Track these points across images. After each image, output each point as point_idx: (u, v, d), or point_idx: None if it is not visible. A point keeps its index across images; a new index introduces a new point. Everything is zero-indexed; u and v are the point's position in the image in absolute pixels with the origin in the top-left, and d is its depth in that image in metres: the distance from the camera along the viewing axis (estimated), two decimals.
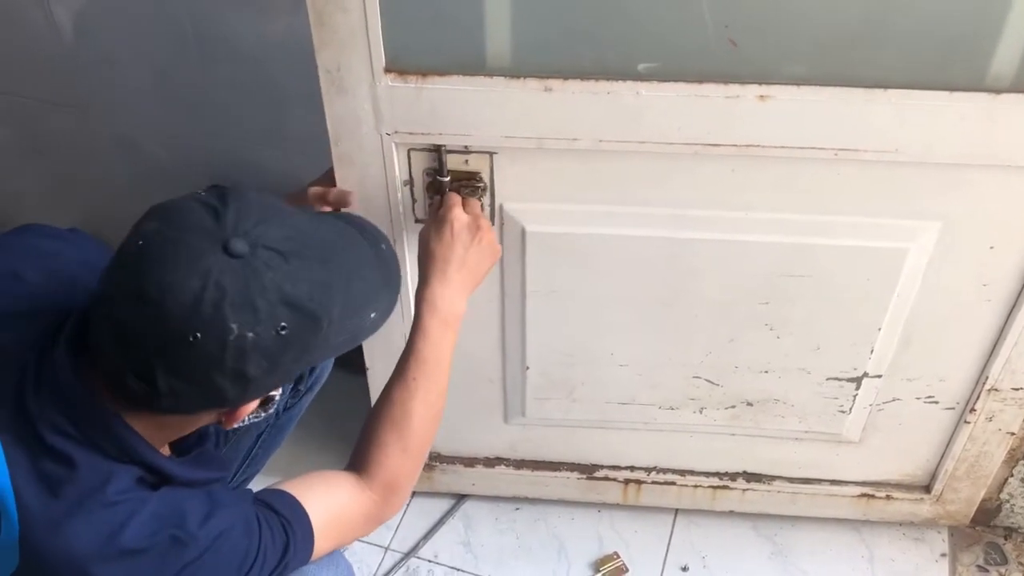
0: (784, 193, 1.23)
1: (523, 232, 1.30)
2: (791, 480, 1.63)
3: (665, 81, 1.12)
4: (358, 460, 1.11)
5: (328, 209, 1.23)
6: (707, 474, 1.65)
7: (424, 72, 1.13)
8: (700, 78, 1.12)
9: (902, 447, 1.56)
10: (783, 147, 1.16)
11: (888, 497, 1.62)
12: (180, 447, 1.03)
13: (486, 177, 1.23)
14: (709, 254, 1.30)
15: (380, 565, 1.68)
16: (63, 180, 1.94)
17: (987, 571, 1.65)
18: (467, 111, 1.16)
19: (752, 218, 1.25)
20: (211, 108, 1.67)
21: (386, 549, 1.70)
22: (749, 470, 1.64)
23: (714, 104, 1.13)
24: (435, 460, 1.68)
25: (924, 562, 1.66)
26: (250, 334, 0.84)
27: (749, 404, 1.50)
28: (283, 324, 0.86)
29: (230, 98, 1.64)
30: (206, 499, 0.96)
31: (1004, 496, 1.62)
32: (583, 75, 1.12)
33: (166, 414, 0.91)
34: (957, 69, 1.11)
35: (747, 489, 1.64)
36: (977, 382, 1.43)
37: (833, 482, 1.63)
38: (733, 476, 1.64)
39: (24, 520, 0.88)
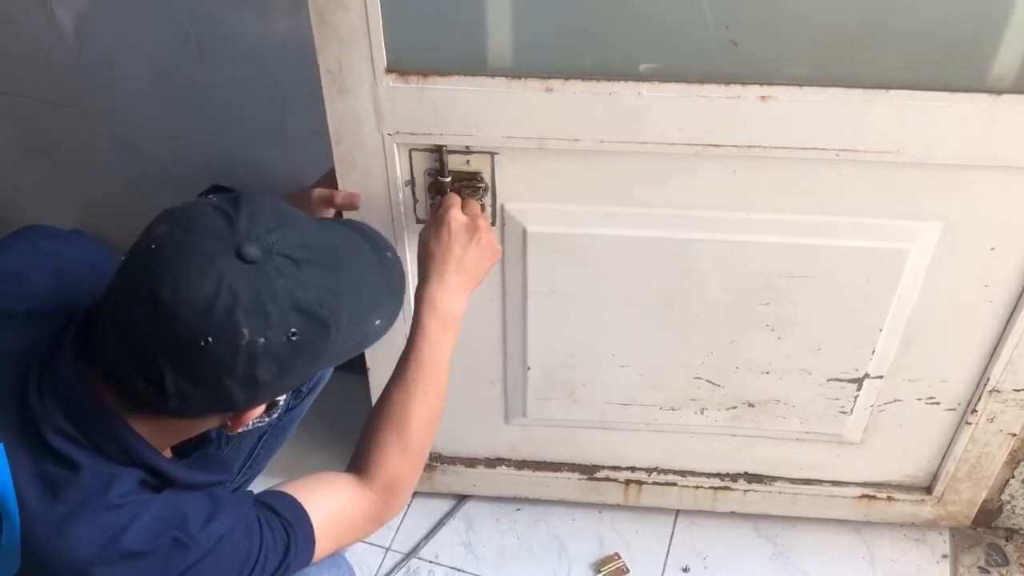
0: (785, 194, 1.23)
1: (524, 232, 1.30)
2: (792, 481, 1.63)
3: (666, 81, 1.12)
4: (358, 461, 1.10)
5: (332, 212, 1.23)
6: (708, 475, 1.65)
7: (425, 72, 1.13)
8: (701, 79, 1.12)
9: (903, 448, 1.56)
10: (784, 148, 1.16)
11: (889, 498, 1.62)
12: (181, 449, 1.03)
13: (487, 177, 1.23)
14: (710, 255, 1.30)
15: (381, 566, 1.68)
16: (64, 180, 1.94)
17: (988, 572, 1.64)
18: (468, 111, 1.16)
19: (753, 219, 1.25)
20: (212, 108, 1.67)
21: (387, 550, 1.70)
22: (750, 471, 1.64)
23: (715, 105, 1.13)
24: (436, 461, 1.68)
25: (925, 563, 1.66)
26: (261, 339, 0.85)
27: (750, 405, 1.50)
28: (294, 330, 0.86)
29: (231, 98, 1.64)
30: (208, 502, 0.96)
31: (1005, 497, 1.62)
32: (584, 75, 1.12)
33: (172, 417, 0.91)
34: (958, 70, 1.11)
35: (748, 490, 1.64)
36: (978, 383, 1.43)
37: (834, 483, 1.63)
38: (734, 477, 1.64)
39: (26, 522, 0.88)
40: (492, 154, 1.21)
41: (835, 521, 1.68)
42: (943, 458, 1.56)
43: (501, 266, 1.34)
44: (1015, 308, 1.32)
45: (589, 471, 1.66)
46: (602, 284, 1.35)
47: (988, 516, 1.66)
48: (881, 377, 1.43)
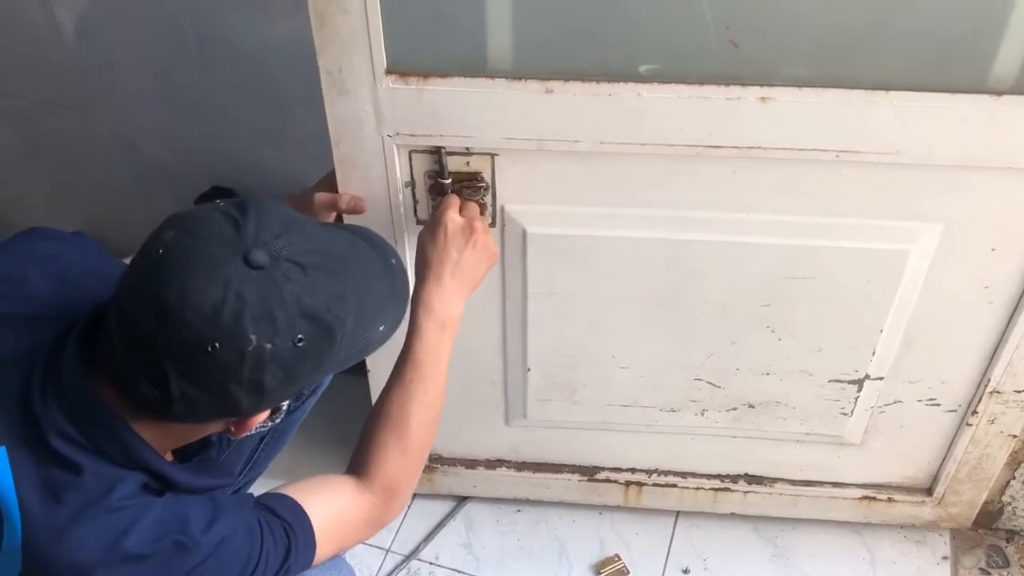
0: (785, 195, 1.23)
1: (524, 234, 1.30)
2: (792, 482, 1.63)
3: (666, 83, 1.12)
4: (358, 464, 1.10)
5: (333, 216, 1.23)
6: (708, 476, 1.64)
7: (425, 74, 1.13)
8: (701, 80, 1.11)
9: (904, 449, 1.56)
10: (784, 149, 1.16)
11: (890, 499, 1.62)
12: (183, 453, 1.03)
13: (487, 178, 1.23)
14: (710, 256, 1.30)
15: (381, 567, 1.68)
16: (64, 181, 1.94)
17: (989, 574, 1.64)
18: (468, 113, 1.16)
19: (753, 220, 1.25)
20: (212, 109, 1.67)
21: (387, 551, 1.70)
22: (750, 472, 1.64)
23: (715, 106, 1.12)
24: (436, 462, 1.68)
25: (926, 565, 1.66)
26: (268, 345, 0.85)
27: (750, 406, 1.50)
28: (300, 336, 0.86)
29: (231, 99, 1.64)
30: (208, 505, 0.95)
31: (1006, 499, 1.62)
32: (584, 77, 1.12)
33: (177, 422, 0.91)
34: (958, 71, 1.11)
35: (748, 491, 1.64)
36: (979, 384, 1.42)
37: (835, 484, 1.63)
38: (734, 478, 1.64)
39: (27, 526, 0.88)
40: (492, 155, 1.21)
41: (835, 522, 1.68)
42: (944, 459, 1.56)
43: (501, 267, 1.33)
44: (1015, 309, 1.32)
45: (589, 472, 1.66)
46: (602, 285, 1.35)
47: (989, 518, 1.66)
48: (882, 378, 1.43)
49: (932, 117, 1.12)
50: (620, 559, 1.67)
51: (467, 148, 1.20)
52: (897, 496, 1.62)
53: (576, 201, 1.26)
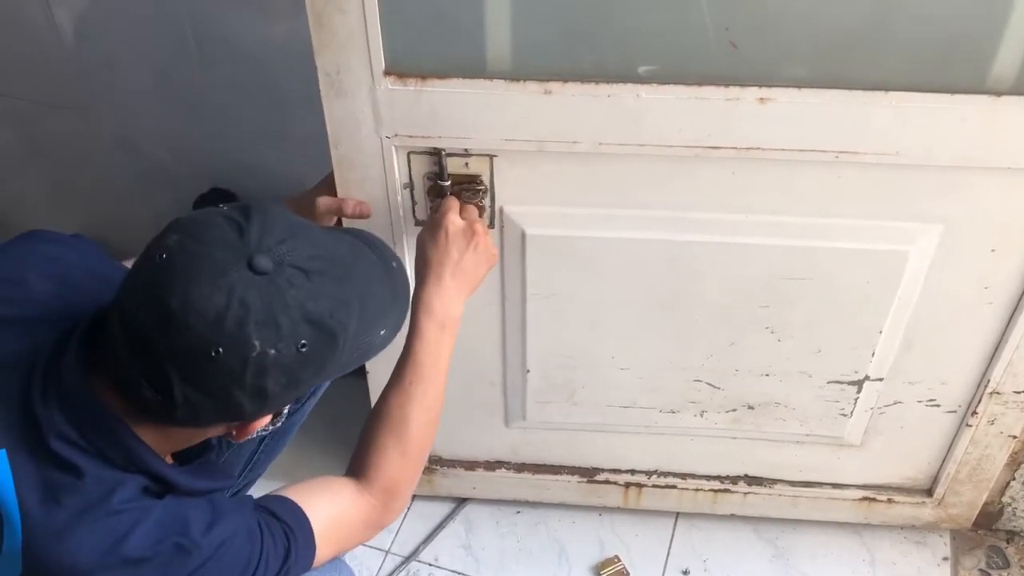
0: (785, 196, 1.22)
1: (523, 235, 1.30)
2: (792, 483, 1.63)
3: (665, 84, 1.12)
4: (357, 465, 1.10)
5: (334, 219, 1.23)
6: (708, 477, 1.64)
7: (424, 75, 1.13)
8: (700, 80, 1.11)
9: (903, 450, 1.56)
10: (783, 150, 1.16)
11: (890, 500, 1.62)
12: (183, 455, 1.03)
13: (486, 180, 1.23)
14: (709, 257, 1.30)
15: (381, 568, 1.68)
16: (64, 182, 1.94)
17: (989, 575, 1.64)
18: (467, 114, 1.16)
19: (752, 221, 1.25)
20: (211, 109, 1.67)
21: (387, 553, 1.70)
22: (750, 473, 1.64)
23: (714, 107, 1.12)
24: (436, 464, 1.68)
25: (926, 566, 1.66)
26: (272, 351, 0.85)
27: (750, 407, 1.50)
28: (304, 341, 0.86)
29: (230, 99, 1.64)
30: (208, 507, 0.95)
31: (1006, 499, 1.62)
32: (583, 78, 1.12)
33: (178, 426, 0.91)
34: (958, 71, 1.10)
35: (748, 492, 1.64)
36: (979, 385, 1.42)
37: (834, 485, 1.62)
38: (734, 479, 1.64)
39: (27, 528, 0.88)
40: (491, 157, 1.21)
41: (835, 523, 1.68)
42: (943, 460, 1.55)
43: (500, 269, 1.33)
44: (1015, 310, 1.32)
45: (589, 474, 1.66)
46: (601, 287, 1.35)
47: (989, 518, 1.66)
48: (881, 379, 1.43)
49: (931, 117, 1.11)
50: (620, 560, 1.67)
51: (466, 149, 1.20)
52: (897, 497, 1.62)
53: (575, 202, 1.26)
